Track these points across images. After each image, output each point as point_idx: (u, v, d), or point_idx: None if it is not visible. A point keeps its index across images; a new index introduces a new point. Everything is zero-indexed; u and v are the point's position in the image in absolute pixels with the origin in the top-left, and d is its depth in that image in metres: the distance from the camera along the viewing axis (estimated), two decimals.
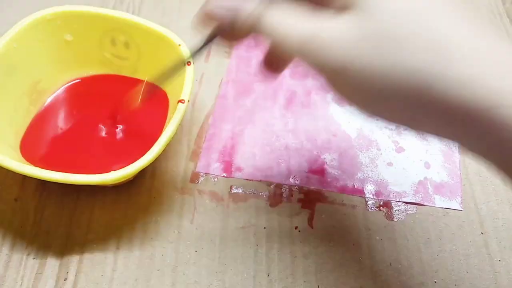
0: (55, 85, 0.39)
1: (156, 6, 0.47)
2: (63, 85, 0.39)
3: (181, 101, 0.32)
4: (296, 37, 0.21)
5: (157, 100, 0.38)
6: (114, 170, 0.29)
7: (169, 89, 0.37)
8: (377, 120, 0.22)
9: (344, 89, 0.22)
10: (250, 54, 0.44)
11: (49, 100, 0.39)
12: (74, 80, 0.40)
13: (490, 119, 0.18)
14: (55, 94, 0.39)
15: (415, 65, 0.19)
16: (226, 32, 0.24)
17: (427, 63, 0.18)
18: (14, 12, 0.48)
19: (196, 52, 0.28)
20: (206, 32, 0.26)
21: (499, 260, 0.32)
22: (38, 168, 0.29)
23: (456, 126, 0.19)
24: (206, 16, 0.24)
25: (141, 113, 0.37)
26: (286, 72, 0.42)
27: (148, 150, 0.29)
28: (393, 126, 0.38)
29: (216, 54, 0.44)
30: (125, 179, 0.30)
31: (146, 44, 0.37)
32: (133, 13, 0.47)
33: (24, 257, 0.32)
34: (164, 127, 0.34)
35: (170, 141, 0.30)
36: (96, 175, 0.28)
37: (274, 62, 0.28)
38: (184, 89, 0.32)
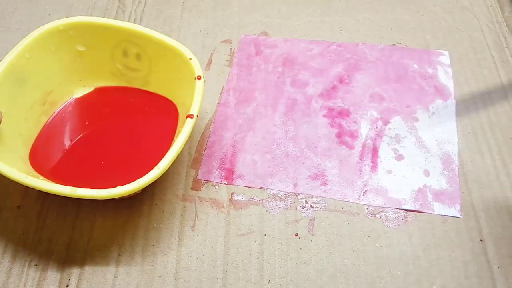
0: (66, 95, 0.39)
1: (158, 15, 0.48)
2: (74, 96, 0.40)
3: (189, 116, 0.31)
4: None
5: (166, 112, 0.38)
6: (121, 182, 0.28)
7: (179, 102, 0.37)
8: None
9: None
10: (251, 62, 0.44)
11: (59, 110, 0.39)
12: (85, 91, 0.40)
13: None
14: (65, 105, 0.39)
15: None
16: None
17: None
18: (15, 19, 0.48)
19: None
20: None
21: (498, 267, 0.32)
22: (45, 182, 0.29)
23: None
24: None
25: (150, 125, 0.37)
26: (287, 80, 0.42)
27: (155, 163, 0.29)
28: (392, 134, 0.39)
29: (217, 62, 0.44)
30: (131, 193, 0.29)
31: (157, 57, 0.37)
32: (134, 21, 0.47)
33: (26, 264, 0.33)
34: (173, 140, 0.33)
35: (177, 156, 0.30)
36: (102, 190, 0.28)
37: None
38: (193, 104, 0.32)
